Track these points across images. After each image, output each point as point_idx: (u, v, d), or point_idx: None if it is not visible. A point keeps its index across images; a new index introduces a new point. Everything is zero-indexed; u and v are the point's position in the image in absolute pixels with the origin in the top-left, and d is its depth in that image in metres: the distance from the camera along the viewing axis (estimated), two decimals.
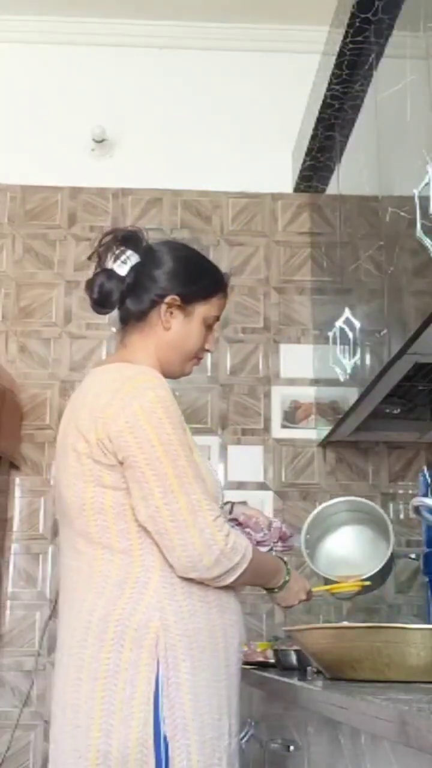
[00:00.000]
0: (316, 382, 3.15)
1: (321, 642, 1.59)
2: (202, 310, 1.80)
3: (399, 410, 2.66)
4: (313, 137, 3.00)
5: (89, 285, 1.80)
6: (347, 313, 2.60)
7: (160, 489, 1.59)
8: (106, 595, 1.60)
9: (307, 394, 3.17)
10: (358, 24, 2.43)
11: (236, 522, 2.01)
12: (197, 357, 1.86)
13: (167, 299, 1.77)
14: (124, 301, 1.79)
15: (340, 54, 2.58)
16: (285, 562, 1.88)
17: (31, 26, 3.46)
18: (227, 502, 2.02)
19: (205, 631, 1.62)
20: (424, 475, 2.35)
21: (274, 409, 3.17)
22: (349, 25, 2.45)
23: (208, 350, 1.86)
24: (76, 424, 1.66)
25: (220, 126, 3.44)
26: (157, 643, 1.57)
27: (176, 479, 1.60)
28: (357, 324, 2.50)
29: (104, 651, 1.57)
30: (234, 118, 3.44)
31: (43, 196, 3.33)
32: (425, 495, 2.29)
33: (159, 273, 1.79)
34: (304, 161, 3.15)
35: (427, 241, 1.78)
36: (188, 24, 3.45)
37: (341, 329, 2.65)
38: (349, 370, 2.56)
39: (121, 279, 1.78)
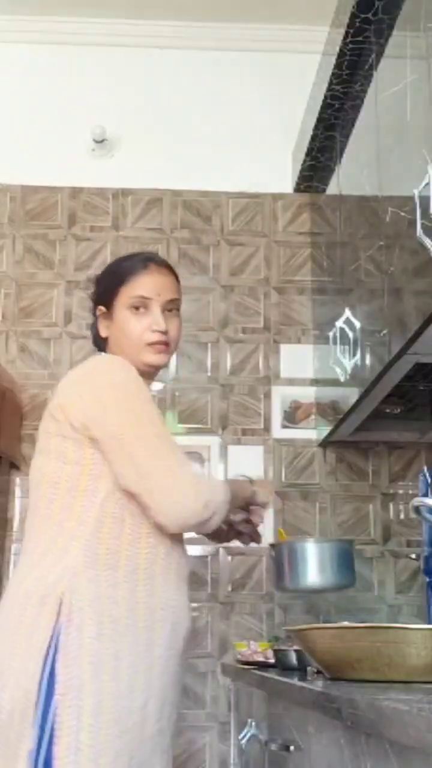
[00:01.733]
0: (316, 382, 3.15)
1: (321, 642, 1.59)
2: (120, 299, 1.91)
3: (399, 410, 2.66)
4: (313, 137, 3.00)
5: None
6: (347, 313, 2.60)
7: (143, 450, 1.70)
8: (30, 562, 1.73)
9: (308, 394, 3.17)
10: (358, 24, 2.43)
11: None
12: (151, 343, 1.90)
13: (97, 314, 1.96)
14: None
15: (340, 54, 2.57)
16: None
17: (31, 26, 3.46)
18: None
19: (123, 605, 1.69)
20: (425, 475, 2.35)
21: (275, 409, 3.17)
22: (349, 25, 2.45)
23: (158, 331, 1.89)
24: (49, 408, 1.82)
25: (220, 126, 3.44)
26: (61, 602, 1.65)
27: (157, 439, 1.72)
28: (357, 324, 2.50)
29: (13, 607, 1.69)
30: (234, 118, 3.44)
31: (43, 197, 3.33)
32: (425, 495, 2.29)
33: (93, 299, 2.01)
34: (304, 161, 3.15)
35: (427, 241, 1.78)
36: (188, 24, 3.45)
37: (341, 329, 2.65)
38: (349, 370, 2.56)
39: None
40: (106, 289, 1.96)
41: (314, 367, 3.17)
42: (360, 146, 2.59)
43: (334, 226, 2.93)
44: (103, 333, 1.95)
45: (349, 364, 2.56)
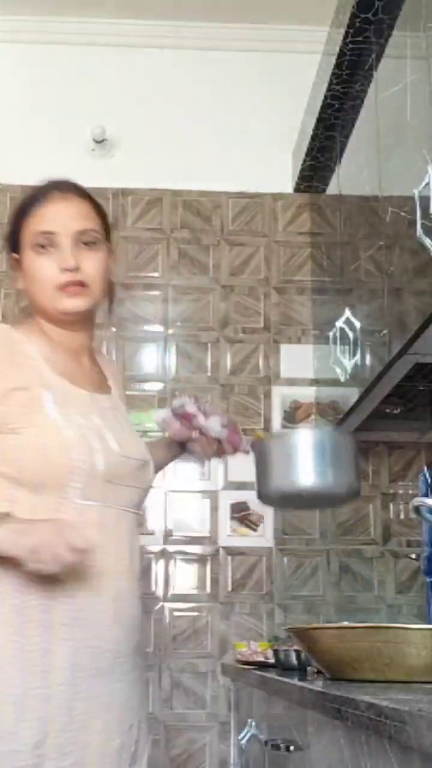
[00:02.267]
0: (316, 382, 3.15)
1: (321, 642, 1.59)
2: (25, 240, 1.65)
3: (399, 410, 2.66)
4: (313, 137, 3.00)
5: None
6: (347, 313, 2.60)
7: None
8: None
9: (308, 394, 3.17)
10: (358, 24, 2.43)
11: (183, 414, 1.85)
12: (62, 286, 1.61)
13: (8, 263, 1.72)
14: None
15: (340, 54, 2.57)
16: None
17: (31, 26, 3.46)
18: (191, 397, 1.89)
19: (7, 627, 1.46)
20: (425, 475, 2.35)
21: (275, 409, 3.17)
22: (349, 25, 2.45)
23: (66, 270, 1.61)
24: None
25: (220, 126, 3.44)
26: None
27: None
28: (357, 324, 2.50)
29: None
30: (234, 118, 3.44)
31: None
32: (425, 495, 2.29)
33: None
34: (304, 161, 3.15)
35: (427, 241, 1.78)
36: (188, 24, 3.44)
37: (341, 329, 2.65)
38: (349, 370, 2.56)
39: None
40: (12, 230, 1.68)
41: (314, 367, 3.17)
42: (360, 146, 2.59)
43: (334, 226, 2.93)
44: (18, 285, 1.68)
45: (349, 364, 2.56)
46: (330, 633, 1.59)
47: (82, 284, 1.61)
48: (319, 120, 2.92)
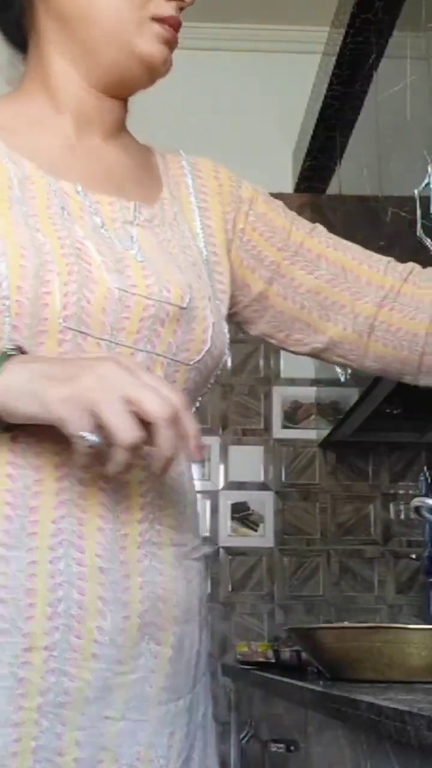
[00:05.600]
0: (316, 382, 3.15)
1: (321, 642, 1.59)
2: None
3: (399, 410, 2.66)
4: (314, 137, 3.00)
5: None
6: None
7: None
8: None
9: (308, 394, 3.17)
10: (358, 24, 2.43)
11: None
12: (161, 18, 1.10)
13: None
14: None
15: (340, 54, 2.57)
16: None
17: None
18: None
19: None
20: (425, 475, 2.35)
21: (275, 409, 3.17)
22: (349, 25, 2.45)
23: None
24: None
25: (220, 126, 3.43)
26: None
27: None
28: None
29: None
30: (234, 118, 3.44)
31: None
32: (426, 495, 2.30)
33: None
34: (305, 161, 3.15)
35: (427, 241, 1.78)
36: (188, 24, 3.42)
37: None
38: (349, 370, 2.57)
39: None
40: None
41: (315, 367, 3.17)
42: (360, 146, 2.60)
43: (334, 226, 2.92)
44: (40, 19, 1.07)
45: None
46: (330, 633, 1.59)
47: (177, 31, 1.11)
48: (319, 120, 2.92)
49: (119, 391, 0.82)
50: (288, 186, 3.37)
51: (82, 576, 0.90)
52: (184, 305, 0.99)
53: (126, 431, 0.82)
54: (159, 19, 1.09)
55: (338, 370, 2.67)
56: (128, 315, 0.95)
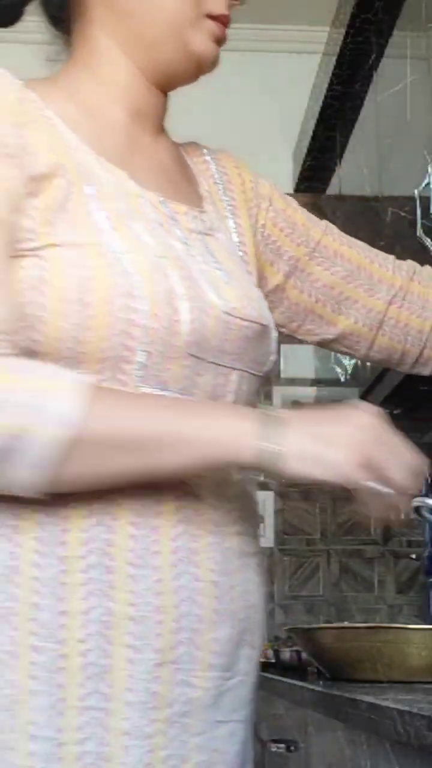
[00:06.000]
0: (316, 382, 3.15)
1: (321, 642, 1.59)
2: None
3: (399, 410, 2.66)
4: (314, 137, 3.00)
5: None
6: None
7: None
8: None
9: (308, 394, 3.17)
10: (358, 24, 2.43)
11: None
12: (216, 15, 1.06)
13: None
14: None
15: (340, 54, 2.57)
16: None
17: (31, 27, 3.46)
18: None
19: None
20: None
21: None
22: (349, 25, 2.45)
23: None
24: None
25: (220, 126, 3.43)
26: None
27: None
28: None
29: None
30: (234, 118, 3.44)
31: None
32: (426, 495, 2.30)
33: None
34: (305, 161, 3.15)
35: (427, 241, 1.78)
36: None
37: None
38: (349, 370, 2.57)
39: None
40: None
41: (315, 367, 3.17)
42: (360, 146, 2.60)
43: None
44: (92, 4, 1.09)
45: (349, 364, 2.57)
46: (330, 633, 1.59)
47: (227, 24, 1.08)
48: (319, 120, 2.92)
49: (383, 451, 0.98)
50: (288, 186, 3.37)
51: (200, 591, 0.95)
52: (266, 323, 1.04)
53: (407, 483, 1.01)
54: (213, 17, 1.07)
55: (338, 370, 2.67)
56: (230, 337, 0.98)
